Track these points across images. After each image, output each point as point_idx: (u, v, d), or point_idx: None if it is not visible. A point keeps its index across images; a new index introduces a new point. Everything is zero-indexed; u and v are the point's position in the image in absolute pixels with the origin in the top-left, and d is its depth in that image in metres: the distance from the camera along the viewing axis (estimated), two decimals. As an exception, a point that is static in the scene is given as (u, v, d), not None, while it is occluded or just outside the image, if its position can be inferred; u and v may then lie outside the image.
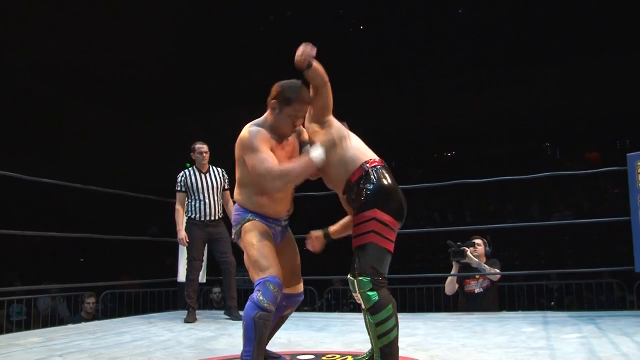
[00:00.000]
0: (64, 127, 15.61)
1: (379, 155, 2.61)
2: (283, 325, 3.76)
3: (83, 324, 4.94)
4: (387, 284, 2.45)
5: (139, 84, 14.50)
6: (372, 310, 2.38)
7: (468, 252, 4.75)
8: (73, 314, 6.83)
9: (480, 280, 4.88)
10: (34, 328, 5.59)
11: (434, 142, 15.42)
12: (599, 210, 9.13)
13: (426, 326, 4.04)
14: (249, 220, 2.59)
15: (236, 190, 2.68)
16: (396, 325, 2.41)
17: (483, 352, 2.99)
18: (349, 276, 2.52)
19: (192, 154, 4.95)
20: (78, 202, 14.58)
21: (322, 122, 2.61)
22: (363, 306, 2.43)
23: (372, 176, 2.48)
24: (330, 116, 2.63)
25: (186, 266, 4.91)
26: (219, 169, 5.02)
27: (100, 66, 13.52)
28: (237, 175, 2.65)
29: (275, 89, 2.60)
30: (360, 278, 2.41)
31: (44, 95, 14.75)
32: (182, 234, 4.84)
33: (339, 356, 3.02)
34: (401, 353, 3.01)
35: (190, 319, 4.64)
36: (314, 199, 6.02)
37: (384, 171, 2.51)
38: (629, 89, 12.46)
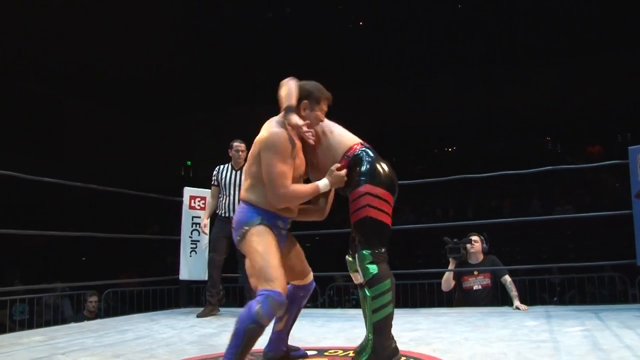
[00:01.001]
0: (64, 127, 15.62)
1: (380, 154, 2.66)
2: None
3: (86, 323, 4.95)
4: (387, 259, 2.47)
5: (140, 83, 14.52)
6: (370, 283, 2.39)
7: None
8: (76, 313, 6.84)
9: (480, 277, 4.87)
10: (37, 327, 5.59)
11: (435, 139, 15.41)
12: (600, 204, 9.11)
13: (428, 321, 4.04)
14: (257, 225, 2.52)
15: (247, 187, 2.61)
16: (392, 302, 2.41)
17: (485, 346, 2.99)
18: (347, 257, 2.53)
19: (229, 150, 5.05)
20: (79, 201, 14.59)
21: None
22: (361, 280, 2.44)
23: (360, 158, 2.57)
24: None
25: (207, 261, 5.08)
26: None
27: (100, 65, 13.52)
28: (251, 170, 2.59)
29: (301, 90, 2.64)
30: (362, 251, 2.44)
31: (44, 94, 14.75)
32: (204, 222, 5.09)
33: (341, 351, 3.02)
34: (404, 347, 3.02)
35: (203, 313, 4.75)
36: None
37: (368, 151, 2.60)
38: (630, 83, 12.46)
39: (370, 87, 15.00)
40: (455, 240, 4.77)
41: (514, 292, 4.70)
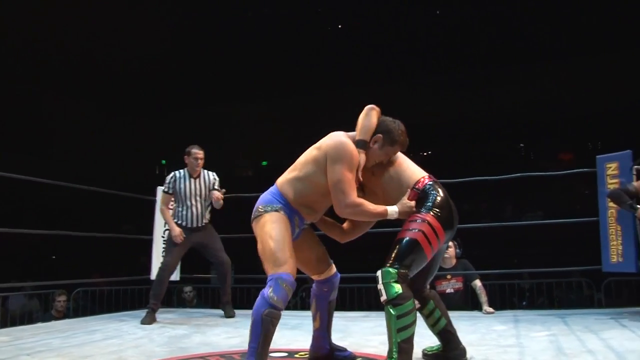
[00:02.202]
0: (38, 121, 15.34)
1: None
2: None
3: (53, 323, 4.88)
4: (408, 282, 2.47)
5: (116, 80, 14.35)
6: (395, 302, 2.40)
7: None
8: (44, 313, 6.72)
9: (453, 281, 4.95)
10: (3, 327, 5.49)
11: (410, 142, 15.49)
12: (570, 211, 9.26)
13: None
14: (276, 211, 2.57)
15: (289, 178, 2.65)
16: (415, 322, 2.43)
17: (454, 350, 3.02)
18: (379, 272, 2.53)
19: (186, 157, 4.78)
20: (51, 198, 14.36)
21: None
22: (384, 298, 2.44)
23: (428, 192, 2.61)
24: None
25: (160, 266, 4.83)
26: (210, 173, 4.87)
27: (78, 60, 13.34)
28: (305, 169, 2.62)
29: (382, 124, 2.68)
30: (388, 268, 2.45)
31: (19, 88, 14.49)
32: (176, 230, 4.65)
33: (311, 354, 3.02)
34: (373, 351, 3.05)
35: (148, 321, 4.44)
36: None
37: (436, 186, 2.65)
38: (602, 90, 12.69)
39: (343, 89, 15.04)
40: None
41: (484, 298, 4.79)
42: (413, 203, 2.60)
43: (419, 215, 2.54)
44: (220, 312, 4.91)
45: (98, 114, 16.47)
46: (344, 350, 2.89)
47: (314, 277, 2.83)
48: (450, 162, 13.06)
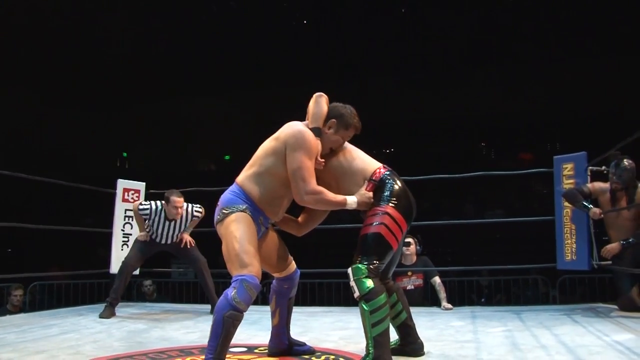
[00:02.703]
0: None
1: None
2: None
3: (8, 317, 4.77)
4: (379, 276, 2.51)
5: (80, 71, 14.05)
6: (367, 297, 2.42)
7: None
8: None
9: (413, 277, 5.02)
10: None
11: (372, 139, 15.60)
12: (529, 210, 9.47)
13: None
14: (240, 211, 2.54)
15: (249, 174, 2.62)
16: (388, 315, 2.47)
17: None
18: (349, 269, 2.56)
19: (165, 203, 4.60)
20: (8, 190, 13.99)
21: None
22: (357, 294, 2.46)
23: (385, 182, 2.63)
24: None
25: (122, 262, 4.77)
26: (192, 208, 4.74)
27: (37, 51, 13.02)
28: (264, 161, 2.60)
29: (333, 109, 2.70)
30: (357, 265, 2.47)
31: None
32: (143, 234, 4.66)
33: (271, 349, 3.04)
34: (332, 346, 3.08)
35: (106, 314, 4.43)
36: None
37: (393, 176, 2.68)
38: (563, 93, 12.99)
39: (306, 86, 15.00)
40: None
41: (442, 294, 4.88)
42: (371, 194, 2.63)
43: (379, 208, 2.57)
44: (180, 306, 4.90)
45: (59, 107, 16.10)
46: (303, 344, 2.91)
47: (275, 275, 2.84)
48: (412, 160, 13.20)
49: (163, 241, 4.70)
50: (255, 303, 7.62)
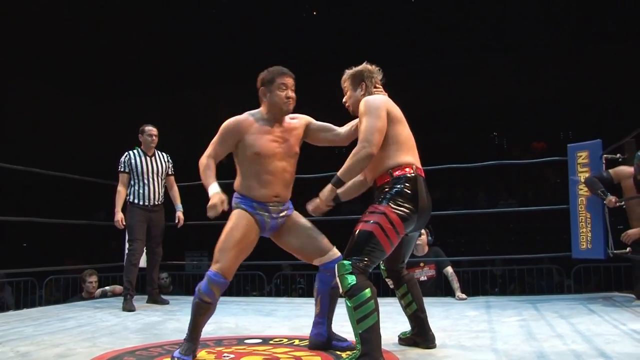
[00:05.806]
0: (7, 107, 15.05)
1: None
2: (231, 310, 3.76)
3: (26, 310, 4.81)
4: (367, 273, 2.47)
5: (89, 63, 14.12)
6: (350, 294, 2.40)
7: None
8: (15, 301, 6.62)
9: (426, 268, 5.01)
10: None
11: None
12: (542, 199, 9.43)
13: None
14: (236, 209, 2.70)
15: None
16: (375, 310, 2.40)
17: (427, 335, 3.06)
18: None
19: (140, 135, 4.90)
20: (22, 184, 14.12)
21: None
22: (340, 290, 2.46)
23: (399, 181, 2.58)
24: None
25: (127, 250, 4.81)
26: (164, 154, 5.00)
27: (48, 44, 13.08)
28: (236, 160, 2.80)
29: (258, 80, 2.82)
30: (342, 261, 2.47)
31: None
32: (119, 216, 4.72)
33: (286, 340, 3.05)
34: (345, 337, 3.07)
35: (128, 307, 4.47)
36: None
37: (414, 182, 2.60)
38: (574, 81, 12.87)
39: (319, 76, 14.97)
40: None
41: (456, 284, 4.86)
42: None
43: (379, 206, 2.53)
44: None
45: (71, 99, 16.20)
46: (344, 340, 2.82)
47: (314, 263, 2.79)
48: (425, 150, 13.13)
49: (150, 198, 4.76)
50: (270, 294, 7.67)
